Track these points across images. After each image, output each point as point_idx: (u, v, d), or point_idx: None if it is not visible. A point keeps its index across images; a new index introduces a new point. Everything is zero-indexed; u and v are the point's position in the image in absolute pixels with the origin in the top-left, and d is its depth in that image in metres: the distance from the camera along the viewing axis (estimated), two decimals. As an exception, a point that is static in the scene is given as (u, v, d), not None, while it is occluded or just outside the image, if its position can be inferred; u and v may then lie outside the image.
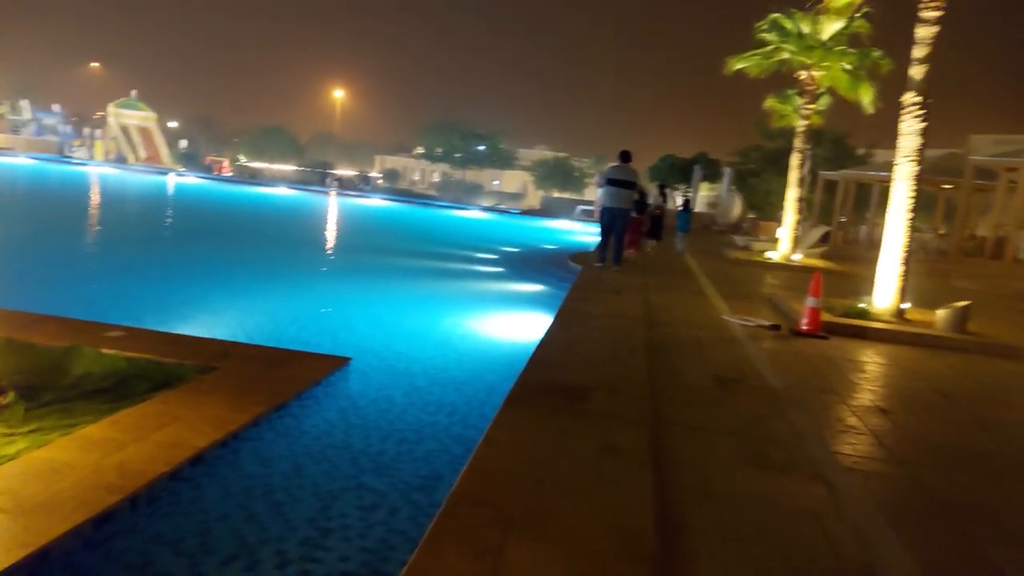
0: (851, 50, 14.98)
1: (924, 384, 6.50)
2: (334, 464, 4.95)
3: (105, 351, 5.80)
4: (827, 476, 4.02)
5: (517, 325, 10.75)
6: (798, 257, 16.81)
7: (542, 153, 70.26)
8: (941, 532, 3.48)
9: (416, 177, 78.58)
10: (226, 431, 4.46)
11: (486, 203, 51.94)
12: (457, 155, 64.57)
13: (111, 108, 58.90)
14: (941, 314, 8.64)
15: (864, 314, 8.95)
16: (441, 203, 46.06)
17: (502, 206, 49.61)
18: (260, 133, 69.69)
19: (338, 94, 79.96)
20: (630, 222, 13.03)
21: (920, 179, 9.04)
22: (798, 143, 16.69)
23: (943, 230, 26.28)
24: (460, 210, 41.33)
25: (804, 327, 8.19)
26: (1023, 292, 14.30)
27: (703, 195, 39.13)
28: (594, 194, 13.26)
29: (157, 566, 3.53)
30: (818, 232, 20.14)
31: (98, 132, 60.62)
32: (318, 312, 10.84)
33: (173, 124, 73.26)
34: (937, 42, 8.80)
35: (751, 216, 34.16)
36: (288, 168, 63.93)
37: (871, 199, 25.51)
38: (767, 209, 35.06)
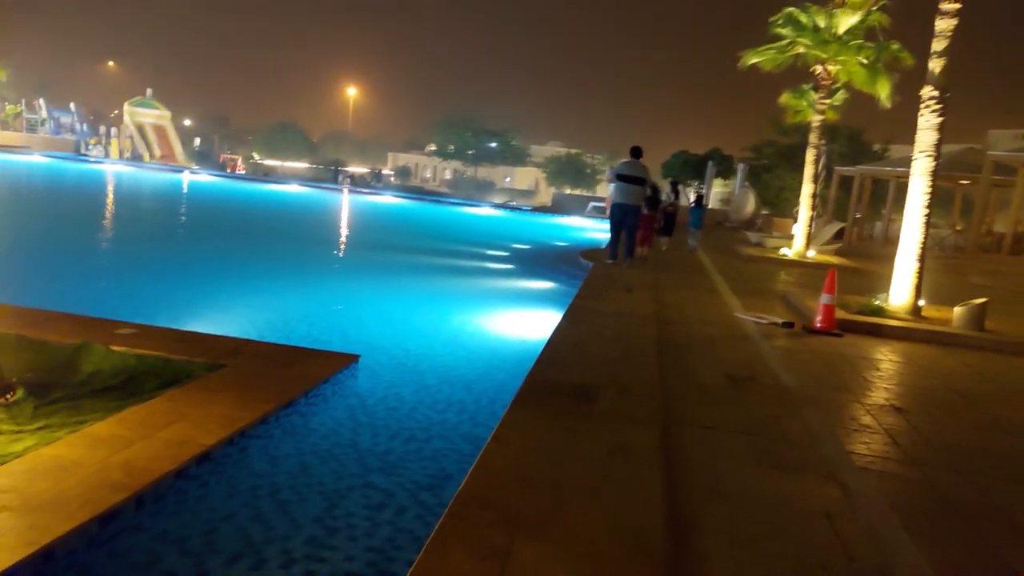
0: (868, 44, 14.81)
1: (940, 383, 6.40)
2: (341, 463, 4.93)
3: (115, 348, 5.80)
4: (841, 476, 3.95)
5: (527, 323, 10.70)
6: (812, 254, 16.67)
7: (554, 149, 70.16)
8: (956, 534, 3.40)
9: (428, 174, 78.69)
10: (233, 429, 4.44)
11: (498, 200, 51.93)
12: (469, 152, 64.63)
13: (127, 107, 59.36)
14: (958, 311, 8.51)
15: (880, 311, 8.83)
16: (453, 200, 46.08)
17: (513, 203, 49.57)
18: (273, 131, 70.09)
19: (351, 92, 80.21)
20: (642, 219, 12.94)
21: (937, 175, 8.92)
22: (813, 139, 16.52)
23: (960, 226, 26.00)
24: (471, 207, 41.32)
25: (818, 324, 8.10)
26: (1042, 289, 14.10)
27: (716, 191, 38.93)
28: (606, 190, 13.14)
29: (163, 565, 3.52)
30: (833, 228, 19.98)
31: (114, 130, 61.07)
32: (329, 309, 10.84)
33: (187, 122, 73.83)
34: (956, 35, 8.66)
35: (765, 212, 33.94)
36: (301, 165, 64.19)
37: (887, 195, 25.27)
38: (781, 205, 34.87)
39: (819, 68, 15.72)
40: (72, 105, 66.42)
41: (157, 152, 58.67)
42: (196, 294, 10.88)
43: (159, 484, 3.72)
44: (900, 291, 8.97)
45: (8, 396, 4.65)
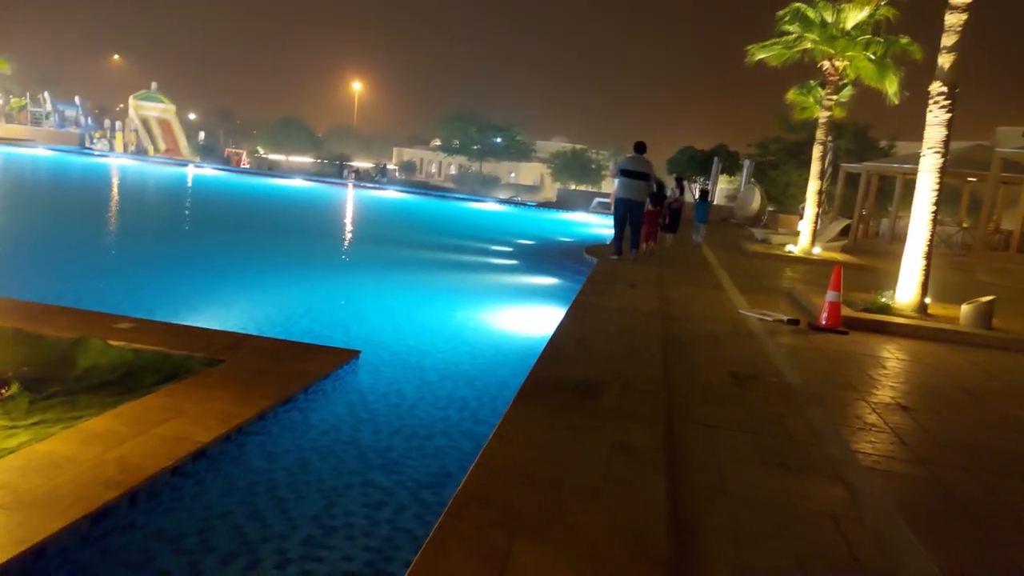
0: (877, 39, 14.68)
1: (947, 381, 6.32)
2: (340, 460, 4.87)
3: (113, 343, 5.76)
4: (846, 476, 3.89)
5: (530, 319, 10.64)
6: (818, 250, 16.57)
7: (560, 145, 69.92)
8: (964, 534, 3.34)
9: (433, 169, 78.60)
10: (230, 425, 4.39)
11: (502, 195, 51.81)
12: (474, 147, 64.50)
13: (131, 100, 59.45)
14: (965, 309, 8.43)
15: (886, 309, 8.75)
16: (457, 195, 45.97)
17: (518, 198, 49.44)
18: (278, 125, 70.07)
19: (356, 87, 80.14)
20: (647, 214, 12.86)
21: (945, 171, 8.82)
22: (820, 135, 16.41)
23: (967, 223, 25.85)
24: (476, 202, 41.20)
25: (824, 322, 8.03)
26: (1050, 287, 13.98)
27: (722, 187, 38.77)
28: (611, 186, 13.07)
29: (157, 563, 3.47)
30: (838, 225, 19.85)
31: (119, 124, 61.15)
32: (331, 304, 10.79)
33: (192, 116, 73.87)
34: (966, 30, 8.56)
35: (771, 209, 33.78)
36: (306, 160, 64.14)
37: (894, 192, 25.12)
38: (787, 202, 34.71)
39: (826, 64, 15.60)
40: (77, 98, 66.56)
41: (162, 146, 58.74)
42: (199, 288, 10.84)
43: (154, 481, 3.67)
44: (907, 288, 8.89)
45: (3, 391, 4.61)
